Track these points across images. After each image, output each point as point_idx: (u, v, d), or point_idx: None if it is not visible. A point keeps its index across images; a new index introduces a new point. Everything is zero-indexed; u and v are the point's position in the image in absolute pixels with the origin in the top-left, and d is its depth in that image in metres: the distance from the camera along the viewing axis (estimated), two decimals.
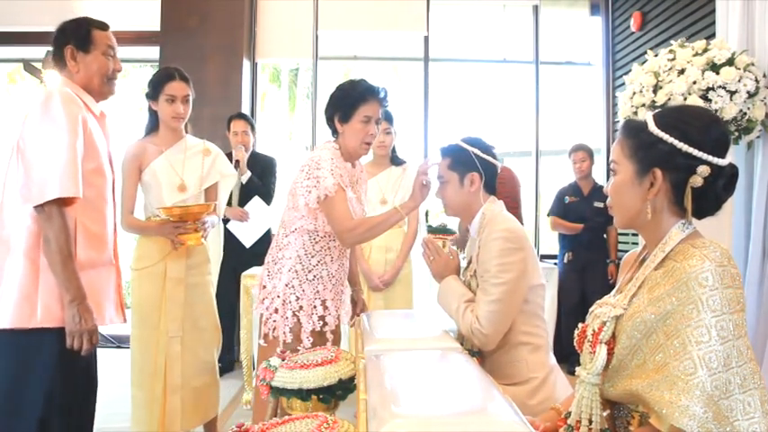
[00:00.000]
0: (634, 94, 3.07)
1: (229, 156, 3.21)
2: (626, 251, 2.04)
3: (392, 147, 3.09)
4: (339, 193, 1.94)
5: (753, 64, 2.83)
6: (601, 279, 4.15)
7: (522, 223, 2.98)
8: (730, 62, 2.80)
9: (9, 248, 1.69)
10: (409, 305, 3.10)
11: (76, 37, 1.80)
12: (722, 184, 1.11)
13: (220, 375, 2.62)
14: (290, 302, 2.00)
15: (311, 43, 4.28)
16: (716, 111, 2.74)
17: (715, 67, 2.80)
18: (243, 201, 3.84)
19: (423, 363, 1.22)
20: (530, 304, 1.73)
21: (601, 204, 4.04)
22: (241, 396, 3.29)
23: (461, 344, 1.48)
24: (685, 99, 2.81)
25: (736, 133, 2.85)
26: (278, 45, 4.85)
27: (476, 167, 1.80)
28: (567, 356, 3.46)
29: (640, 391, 1.07)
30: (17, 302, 1.65)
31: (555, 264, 4.22)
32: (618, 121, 4.46)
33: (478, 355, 1.68)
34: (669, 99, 2.87)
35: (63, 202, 1.65)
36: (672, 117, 1.14)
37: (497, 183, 1.88)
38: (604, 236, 4.26)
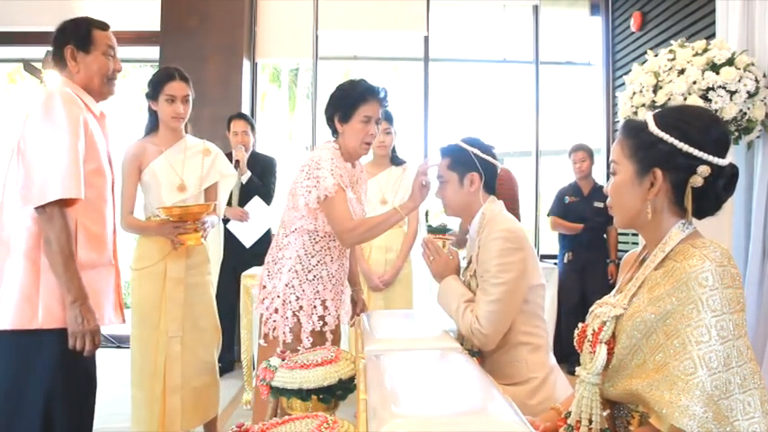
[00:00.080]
0: (634, 94, 3.07)
1: (229, 156, 3.21)
2: (626, 251, 2.04)
3: (392, 147, 3.09)
4: (339, 193, 1.94)
5: (753, 64, 2.83)
6: (601, 279, 4.15)
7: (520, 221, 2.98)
8: (730, 62, 2.80)
9: (9, 249, 1.68)
10: (409, 305, 3.10)
11: (77, 37, 1.80)
12: (722, 184, 1.11)
13: (220, 375, 2.62)
14: (289, 302, 2.00)
15: (311, 43, 4.28)
16: (716, 111, 2.74)
17: (715, 67, 2.80)
18: (243, 201, 3.84)
19: (423, 363, 1.22)
20: (530, 304, 1.73)
21: (601, 204, 4.04)
22: (241, 396, 3.29)
23: (461, 344, 1.48)
24: (685, 99, 2.81)
25: (736, 133, 2.85)
26: (278, 45, 4.85)
27: (475, 167, 1.80)
28: (567, 356, 3.46)
29: (640, 391, 1.07)
30: (18, 304, 1.64)
31: (555, 264, 4.22)
32: (618, 121, 4.46)
33: (478, 355, 1.68)
34: (669, 99, 2.87)
35: (64, 203, 1.64)
36: (672, 117, 1.14)
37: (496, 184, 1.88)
38: (604, 236, 4.26)
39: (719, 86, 2.76)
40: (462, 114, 6.80)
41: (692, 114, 1.15)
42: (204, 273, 2.51)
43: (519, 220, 1.93)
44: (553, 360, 1.76)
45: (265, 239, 3.69)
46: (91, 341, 1.66)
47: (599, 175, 4.60)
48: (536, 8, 4.96)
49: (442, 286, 1.82)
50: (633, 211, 1.18)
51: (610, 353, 1.12)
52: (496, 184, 1.87)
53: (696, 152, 1.09)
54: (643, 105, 3.00)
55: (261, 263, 2.18)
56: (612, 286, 1.31)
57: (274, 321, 2.01)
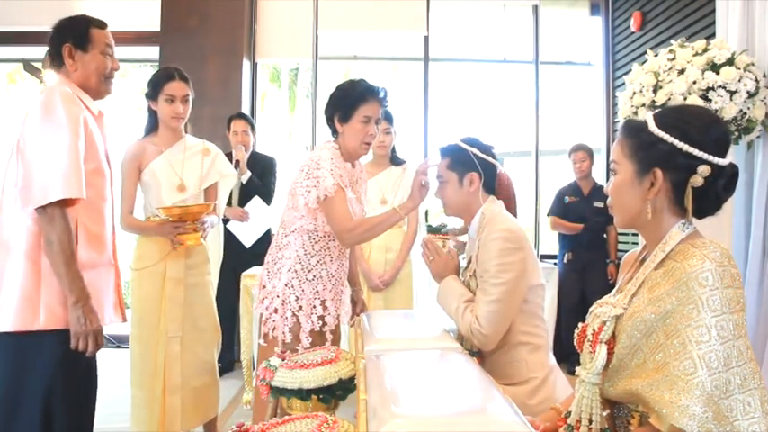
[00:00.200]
0: (634, 94, 3.07)
1: (229, 156, 3.21)
2: (626, 251, 2.04)
3: (392, 147, 3.09)
4: (339, 193, 1.94)
5: (753, 64, 2.83)
6: (601, 279, 4.15)
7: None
8: (730, 62, 2.80)
9: (9, 250, 1.68)
10: (409, 305, 3.10)
11: (74, 35, 1.78)
12: (723, 184, 1.11)
13: (220, 375, 2.62)
14: (289, 302, 2.00)
15: (311, 43, 4.27)
16: (716, 111, 2.74)
17: (715, 67, 2.80)
18: (243, 201, 3.84)
19: (423, 363, 1.22)
20: (529, 304, 1.73)
21: (601, 204, 4.04)
22: (241, 396, 3.29)
23: (461, 344, 1.48)
24: (685, 99, 2.81)
25: (736, 133, 2.85)
26: (278, 45, 4.85)
27: (475, 167, 1.80)
28: (567, 356, 3.46)
29: (640, 391, 1.07)
30: (19, 305, 1.63)
31: (555, 264, 4.22)
32: (618, 121, 4.46)
33: (478, 355, 1.68)
34: (669, 99, 2.87)
35: (65, 203, 1.63)
36: (672, 117, 1.14)
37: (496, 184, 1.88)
38: (604, 236, 4.26)
39: (719, 86, 2.76)
40: (462, 114, 6.79)
41: (693, 114, 1.15)
42: (204, 273, 2.51)
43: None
44: (553, 360, 1.76)
45: (265, 239, 3.69)
46: (93, 341, 1.66)
47: (599, 175, 4.60)
48: (536, 8, 4.96)
49: (442, 286, 1.82)
50: (633, 211, 1.18)
51: (610, 353, 1.12)
52: (496, 184, 1.87)
53: (696, 152, 1.09)
54: (643, 105, 3.00)
55: (261, 263, 2.18)
56: (612, 286, 1.31)
57: (274, 321, 2.01)
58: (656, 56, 3.05)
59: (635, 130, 1.17)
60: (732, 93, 2.76)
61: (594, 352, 1.12)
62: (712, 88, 2.78)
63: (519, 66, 5.28)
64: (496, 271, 1.66)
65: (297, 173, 2.02)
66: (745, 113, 2.81)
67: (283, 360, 1.40)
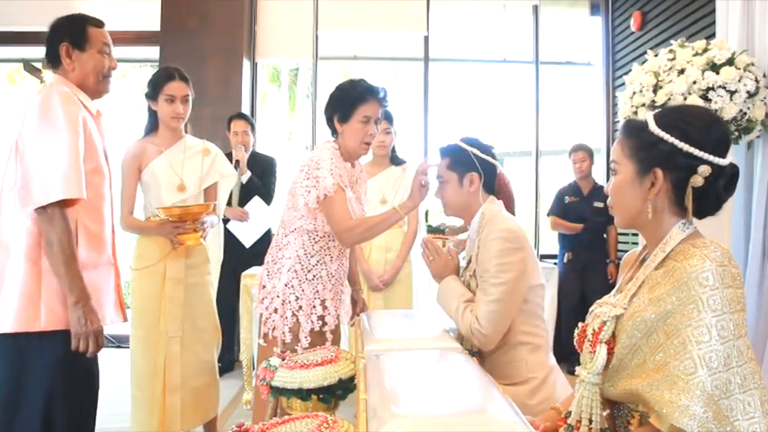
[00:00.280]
0: (634, 93, 3.07)
1: (229, 156, 3.21)
2: (626, 251, 2.04)
3: (392, 147, 3.09)
4: (338, 192, 1.94)
5: (753, 64, 2.83)
6: (601, 279, 4.15)
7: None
8: (730, 62, 2.80)
9: (9, 251, 1.67)
10: (409, 305, 3.10)
11: (72, 34, 1.77)
12: (723, 184, 1.11)
13: (220, 375, 2.62)
14: (289, 302, 2.00)
15: (311, 43, 4.27)
16: (716, 111, 2.74)
17: (715, 67, 2.80)
18: (243, 201, 3.84)
19: (423, 363, 1.22)
20: (529, 304, 1.73)
21: (601, 204, 4.04)
22: (241, 396, 3.29)
23: (461, 344, 1.48)
24: (685, 99, 2.81)
25: (736, 133, 2.85)
26: (278, 45, 4.85)
27: (475, 167, 1.80)
28: (567, 356, 3.46)
29: (640, 391, 1.07)
30: (20, 306, 1.63)
31: (555, 264, 4.22)
32: (618, 121, 4.46)
33: (478, 355, 1.68)
34: (669, 99, 2.87)
35: (64, 204, 1.63)
36: (672, 117, 1.14)
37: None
38: (604, 236, 4.26)
39: (719, 86, 2.76)
40: (462, 114, 6.80)
41: (693, 114, 1.15)
42: (204, 273, 2.51)
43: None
44: (553, 360, 1.76)
45: (265, 239, 3.69)
46: (94, 342, 1.65)
47: (599, 175, 4.60)
48: (536, 8, 4.96)
49: (442, 286, 1.82)
50: (634, 211, 1.18)
51: (610, 353, 1.12)
52: (496, 184, 1.87)
53: (697, 152, 1.09)
54: (643, 105, 3.00)
55: (261, 263, 2.18)
56: (612, 286, 1.31)
57: (274, 321, 2.01)
58: (656, 56, 3.05)
59: (635, 129, 1.17)
60: (732, 93, 2.76)
61: (595, 352, 1.12)
62: (712, 88, 2.78)
63: (519, 66, 5.28)
64: (496, 271, 1.65)
65: (297, 173, 2.02)
66: (745, 113, 2.81)
67: (283, 360, 1.40)
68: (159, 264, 2.38)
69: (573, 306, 4.10)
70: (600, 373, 1.12)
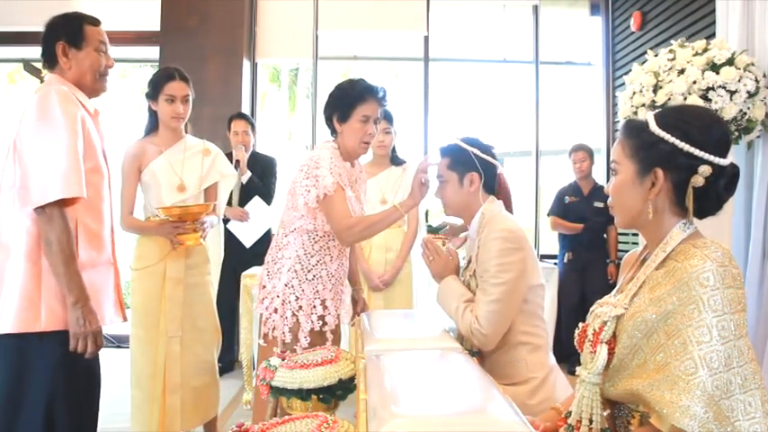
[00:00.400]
0: (634, 93, 3.07)
1: (229, 156, 3.21)
2: (626, 251, 2.04)
3: (392, 147, 3.08)
4: (338, 191, 1.94)
5: (753, 64, 2.83)
6: (601, 279, 4.15)
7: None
8: (730, 62, 2.80)
9: (9, 252, 1.67)
10: (409, 305, 3.10)
11: (68, 33, 1.76)
12: (723, 184, 1.11)
13: (220, 375, 2.62)
14: (289, 302, 2.00)
15: (311, 43, 4.28)
16: (716, 111, 2.74)
17: (715, 67, 2.80)
18: (243, 201, 3.84)
19: (423, 363, 1.22)
20: (529, 304, 1.73)
21: (601, 204, 4.04)
22: (241, 396, 3.29)
23: (461, 344, 1.48)
24: (685, 99, 2.81)
25: (737, 133, 2.85)
26: (278, 45, 4.85)
27: (475, 167, 1.80)
28: (567, 356, 3.46)
29: (641, 391, 1.06)
30: (20, 307, 1.62)
31: (555, 264, 4.22)
32: (618, 121, 4.46)
33: (478, 355, 1.68)
34: (669, 99, 2.87)
35: (64, 203, 1.63)
36: (673, 117, 1.14)
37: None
38: (604, 236, 4.26)
39: (719, 86, 2.76)
40: (462, 114, 6.80)
41: (694, 114, 1.15)
42: (204, 273, 2.51)
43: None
44: (553, 360, 1.76)
45: (265, 239, 3.69)
46: (93, 343, 1.65)
47: (599, 175, 4.60)
48: (536, 8, 4.96)
49: (442, 286, 1.82)
50: (634, 211, 1.18)
51: (610, 353, 1.12)
52: (496, 184, 1.87)
53: (697, 152, 1.09)
54: (643, 105, 3.00)
55: (261, 263, 2.18)
56: (612, 286, 1.31)
57: (274, 321, 2.01)
58: (656, 56, 3.05)
59: (636, 129, 1.17)
60: (732, 93, 2.76)
61: (595, 352, 1.12)
62: (712, 88, 2.78)
63: (519, 66, 5.28)
64: (496, 271, 1.65)
65: (296, 172, 2.02)
66: (745, 113, 2.81)
67: (283, 360, 1.40)
68: (159, 264, 2.37)
69: (573, 306, 4.10)
70: (600, 373, 1.12)
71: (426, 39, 4.87)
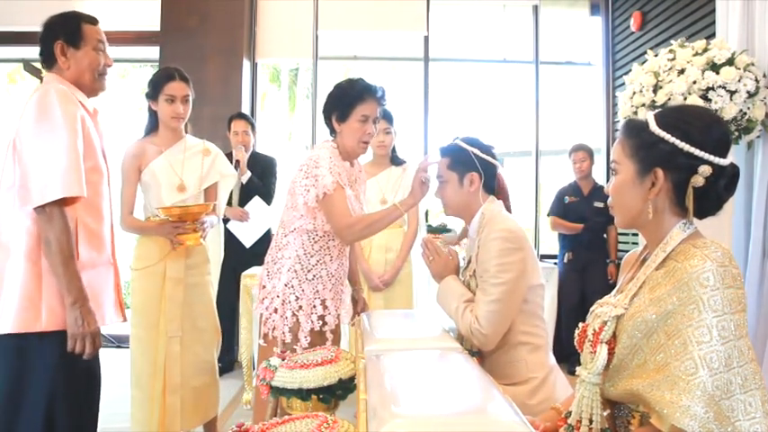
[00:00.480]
0: (634, 93, 3.07)
1: (229, 156, 3.21)
2: (626, 251, 2.04)
3: (392, 147, 3.08)
4: (338, 190, 1.93)
5: (753, 64, 2.83)
6: (601, 279, 4.15)
7: None
8: (730, 62, 2.80)
9: (9, 252, 1.66)
10: (409, 305, 3.10)
11: (66, 32, 1.75)
12: (724, 184, 1.11)
13: (220, 375, 2.62)
14: (289, 302, 2.00)
15: (311, 43, 4.28)
16: (716, 111, 2.74)
17: (715, 67, 2.80)
18: (243, 201, 3.84)
19: (423, 363, 1.22)
20: (529, 304, 1.73)
21: (601, 204, 4.04)
22: (241, 396, 3.29)
23: (461, 344, 1.48)
24: (685, 99, 2.81)
25: (737, 133, 2.85)
26: (278, 45, 4.85)
27: (475, 167, 1.80)
28: (567, 356, 3.46)
29: (641, 391, 1.06)
30: (21, 307, 1.62)
31: (555, 264, 4.22)
32: (618, 121, 4.46)
33: (478, 355, 1.68)
34: (669, 99, 2.87)
35: (63, 203, 1.62)
36: (673, 117, 1.14)
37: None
38: (604, 236, 4.26)
39: (719, 86, 2.76)
40: (462, 114, 6.80)
41: (694, 114, 1.15)
42: (204, 273, 2.51)
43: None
44: (553, 360, 1.76)
45: (265, 239, 3.68)
46: (91, 343, 1.64)
47: (599, 175, 4.60)
48: (536, 8, 4.96)
49: (442, 286, 1.82)
50: (634, 211, 1.18)
51: (610, 353, 1.12)
52: (496, 184, 1.87)
53: (697, 152, 1.09)
54: (643, 105, 3.00)
55: (261, 263, 2.18)
56: (612, 286, 1.31)
57: (274, 321, 2.01)
58: (656, 56, 3.05)
59: (636, 129, 1.17)
60: (732, 93, 2.76)
61: (595, 352, 1.12)
62: (712, 88, 2.78)
63: (519, 66, 5.28)
64: (496, 271, 1.65)
65: (296, 172, 2.02)
66: (745, 113, 2.81)
67: (283, 360, 1.40)
68: (159, 264, 2.37)
69: (573, 306, 4.10)
70: (600, 373, 1.12)
71: (426, 39, 4.87)
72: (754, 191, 2.97)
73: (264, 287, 2.07)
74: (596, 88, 5.01)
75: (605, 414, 1.15)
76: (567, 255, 4.26)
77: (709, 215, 1.16)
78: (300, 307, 2.00)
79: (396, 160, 3.10)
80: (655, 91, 2.94)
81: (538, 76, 4.92)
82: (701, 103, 2.77)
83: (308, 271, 2.02)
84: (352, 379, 1.34)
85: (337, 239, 2.03)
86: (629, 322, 1.11)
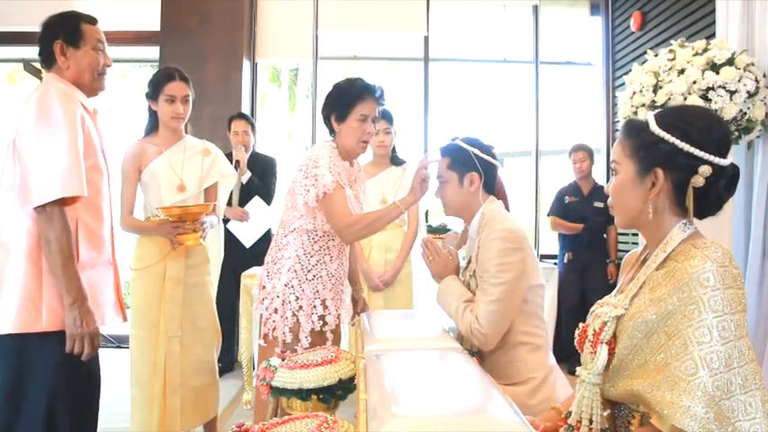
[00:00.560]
0: (634, 93, 3.07)
1: (229, 156, 3.21)
2: (626, 251, 2.04)
3: (392, 147, 3.08)
4: (338, 190, 1.93)
5: (753, 64, 2.83)
6: (601, 279, 4.15)
7: None
8: (730, 62, 2.80)
9: (9, 251, 1.66)
10: (409, 305, 3.10)
11: (65, 32, 1.75)
12: (724, 184, 1.11)
13: (220, 375, 2.62)
14: (289, 302, 2.00)
15: (311, 43, 4.28)
16: (716, 111, 2.74)
17: (715, 67, 2.80)
18: (243, 201, 3.84)
19: (423, 363, 1.22)
20: (529, 304, 1.73)
21: (601, 204, 4.04)
22: (241, 396, 3.29)
23: (461, 344, 1.48)
24: (685, 99, 2.81)
25: (737, 133, 2.85)
26: (278, 45, 4.85)
27: (475, 167, 1.80)
28: (567, 356, 3.46)
29: (641, 392, 1.06)
30: (21, 307, 1.62)
31: (555, 264, 4.22)
32: (618, 121, 4.46)
33: (478, 355, 1.68)
34: (669, 99, 2.87)
35: (64, 202, 1.62)
36: (673, 117, 1.14)
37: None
38: (604, 236, 4.26)
39: (719, 86, 2.76)
40: (462, 114, 6.80)
41: (694, 114, 1.15)
42: (204, 273, 2.51)
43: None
44: (553, 360, 1.76)
45: (265, 239, 3.68)
46: (90, 344, 1.64)
47: (599, 175, 4.60)
48: (536, 8, 4.96)
49: (442, 286, 1.82)
50: (634, 211, 1.17)
51: (611, 353, 1.12)
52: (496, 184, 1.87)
53: (697, 152, 1.09)
54: (643, 105, 3.00)
55: (261, 263, 2.18)
56: (612, 286, 1.31)
57: (274, 321, 2.01)
58: (656, 56, 3.05)
59: (636, 129, 1.17)
60: (732, 93, 2.76)
61: (595, 352, 1.12)
62: (712, 88, 2.78)
63: (519, 66, 5.28)
64: (496, 271, 1.65)
65: (295, 172, 2.02)
66: (745, 113, 2.81)
67: (283, 360, 1.40)
68: (159, 264, 2.37)
69: (573, 306, 4.10)
70: (600, 373, 1.12)
71: (426, 39, 4.87)
72: (754, 191, 2.97)
73: (264, 287, 2.07)
74: (596, 88, 5.01)
75: (605, 414, 1.15)
76: (567, 255, 4.27)
77: (710, 215, 1.16)
78: (300, 307, 2.00)
79: (396, 160, 3.10)
80: (655, 91, 2.94)
81: (538, 76, 4.92)
82: (701, 103, 2.77)
83: (308, 271, 2.02)
84: (352, 379, 1.34)
85: (337, 239, 2.03)
86: (629, 322, 1.11)
